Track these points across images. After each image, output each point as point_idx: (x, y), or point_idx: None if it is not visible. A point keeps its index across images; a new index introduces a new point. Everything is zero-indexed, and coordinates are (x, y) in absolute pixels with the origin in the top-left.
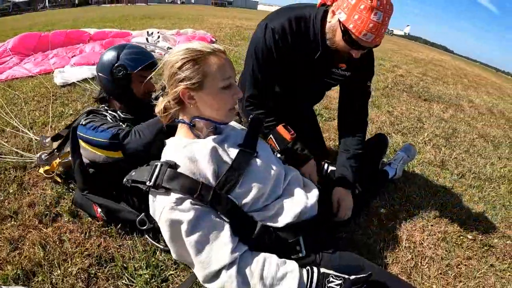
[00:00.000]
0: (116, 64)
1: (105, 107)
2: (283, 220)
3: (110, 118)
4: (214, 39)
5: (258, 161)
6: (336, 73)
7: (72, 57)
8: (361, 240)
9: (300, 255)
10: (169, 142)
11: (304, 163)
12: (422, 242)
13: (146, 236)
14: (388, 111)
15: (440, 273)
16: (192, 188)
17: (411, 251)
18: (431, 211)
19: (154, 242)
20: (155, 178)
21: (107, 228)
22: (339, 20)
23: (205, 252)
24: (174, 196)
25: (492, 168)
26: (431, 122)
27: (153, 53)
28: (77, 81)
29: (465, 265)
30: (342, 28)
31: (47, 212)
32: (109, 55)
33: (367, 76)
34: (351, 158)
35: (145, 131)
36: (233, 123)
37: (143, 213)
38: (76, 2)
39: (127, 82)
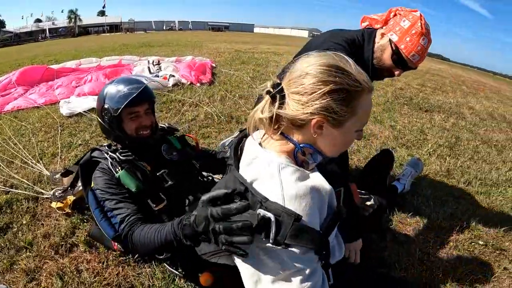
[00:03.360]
0: (102, 108)
1: (106, 148)
2: (337, 258)
3: (111, 162)
4: (214, 65)
5: None
6: None
7: (76, 87)
8: (375, 255)
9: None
10: (271, 157)
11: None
12: (435, 252)
13: (164, 264)
14: (391, 125)
15: (455, 281)
16: (322, 245)
17: (425, 261)
18: (441, 221)
19: (173, 270)
20: (274, 235)
21: (124, 257)
22: (390, 41)
23: None
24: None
25: (498, 173)
26: (433, 132)
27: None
28: (83, 111)
29: (479, 271)
30: (393, 47)
31: (62, 243)
32: (98, 98)
33: None
34: None
35: (141, 248)
36: None
37: None
38: (76, 32)
39: (118, 123)
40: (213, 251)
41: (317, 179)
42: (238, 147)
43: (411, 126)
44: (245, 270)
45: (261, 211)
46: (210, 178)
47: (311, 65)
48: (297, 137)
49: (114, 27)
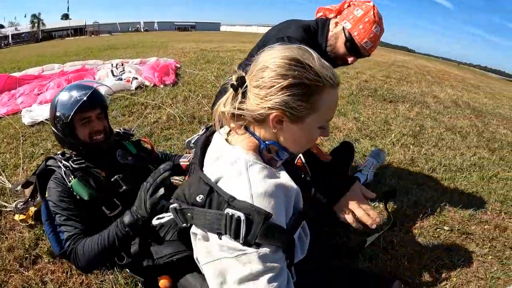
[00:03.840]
0: (54, 116)
1: (60, 156)
2: (299, 257)
3: (64, 171)
4: (178, 65)
5: None
6: None
7: (39, 94)
8: (339, 247)
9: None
10: (238, 154)
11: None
12: (400, 240)
13: (126, 269)
14: (355, 117)
15: (421, 268)
16: (290, 244)
17: (389, 250)
18: (405, 209)
19: (134, 275)
20: (244, 235)
21: None
22: (343, 29)
23: None
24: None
25: (462, 158)
26: (397, 122)
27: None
28: (45, 119)
29: (445, 256)
30: (347, 35)
31: (26, 255)
32: (51, 107)
33: None
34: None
35: (84, 259)
36: None
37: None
38: (40, 37)
39: (70, 130)
40: (170, 253)
41: (284, 178)
42: (205, 145)
43: (375, 117)
44: (210, 270)
45: (230, 211)
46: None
47: (272, 58)
48: (259, 132)
49: (79, 31)
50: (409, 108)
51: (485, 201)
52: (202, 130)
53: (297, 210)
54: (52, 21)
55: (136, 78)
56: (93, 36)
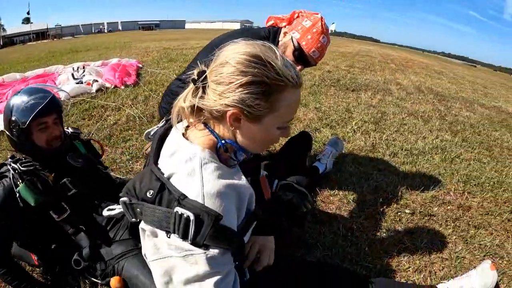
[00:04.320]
0: (9, 121)
1: (10, 160)
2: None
3: (12, 174)
4: (141, 65)
5: None
6: None
7: None
8: (297, 238)
9: (245, 279)
10: (195, 151)
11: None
12: (360, 227)
13: (86, 274)
14: (316, 107)
15: (383, 252)
16: (240, 246)
17: (349, 237)
18: (365, 196)
19: (92, 278)
20: (193, 235)
21: (48, 273)
22: (292, 38)
23: None
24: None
25: (424, 142)
26: (359, 110)
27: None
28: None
29: (407, 239)
30: (295, 44)
31: None
32: (5, 111)
33: None
34: None
35: None
36: None
37: (76, 253)
38: (1, 43)
39: (27, 135)
40: (120, 253)
41: (239, 179)
42: (163, 138)
43: (336, 106)
44: (157, 268)
45: (179, 209)
46: (119, 179)
47: (233, 53)
48: (218, 129)
49: (41, 35)
50: (371, 96)
51: (448, 182)
52: (162, 122)
53: (250, 212)
54: (12, 26)
55: (97, 81)
56: (55, 39)
